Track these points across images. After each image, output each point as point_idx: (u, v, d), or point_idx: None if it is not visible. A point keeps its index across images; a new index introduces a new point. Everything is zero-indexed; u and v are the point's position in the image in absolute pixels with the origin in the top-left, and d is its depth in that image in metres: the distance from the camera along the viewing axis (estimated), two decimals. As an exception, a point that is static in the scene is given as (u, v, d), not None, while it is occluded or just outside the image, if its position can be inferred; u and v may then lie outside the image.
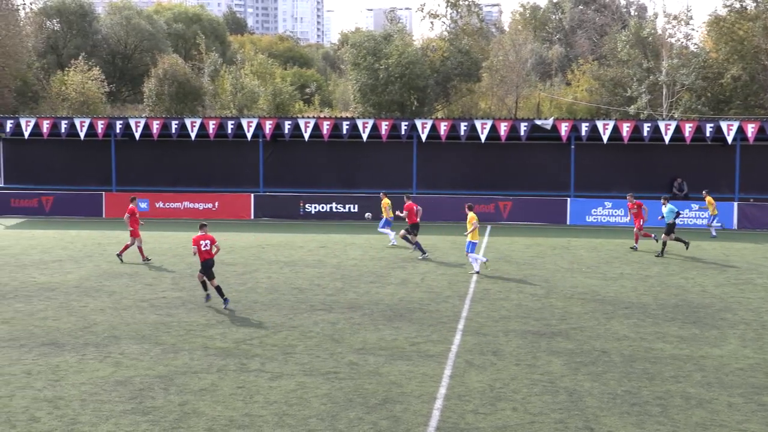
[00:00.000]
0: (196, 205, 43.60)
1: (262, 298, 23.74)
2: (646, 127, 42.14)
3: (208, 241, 23.00)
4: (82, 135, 44.99)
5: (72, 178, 47.64)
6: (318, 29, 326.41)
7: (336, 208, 43.19)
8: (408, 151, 45.17)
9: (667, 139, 41.90)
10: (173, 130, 44.59)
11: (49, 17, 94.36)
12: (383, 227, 34.80)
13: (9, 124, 45.16)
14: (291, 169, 47.25)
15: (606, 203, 41.76)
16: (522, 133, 43.01)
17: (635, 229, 33.79)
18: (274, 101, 79.17)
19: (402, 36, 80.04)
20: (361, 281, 26.38)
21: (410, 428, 14.01)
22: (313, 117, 47.15)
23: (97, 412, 14.68)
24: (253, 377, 16.62)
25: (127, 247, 30.14)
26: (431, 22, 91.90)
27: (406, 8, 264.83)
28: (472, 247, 27.85)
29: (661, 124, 42.19)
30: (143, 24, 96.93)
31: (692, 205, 41.57)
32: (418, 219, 32.05)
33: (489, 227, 40.37)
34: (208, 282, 23.14)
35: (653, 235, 33.63)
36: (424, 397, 15.49)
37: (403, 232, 32.24)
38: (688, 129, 41.70)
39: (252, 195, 43.91)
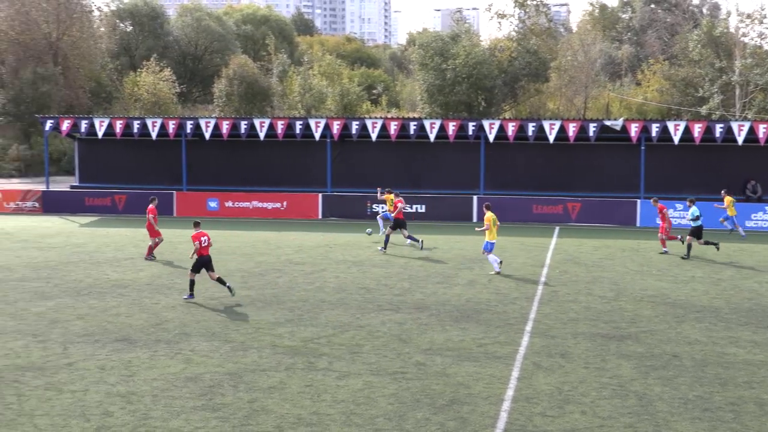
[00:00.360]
0: (265, 205, 44.00)
1: (330, 298, 23.87)
2: (718, 128, 41.40)
3: (206, 238, 23.67)
4: (153, 135, 45.75)
5: (144, 178, 48.48)
6: (385, 30, 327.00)
7: (404, 208, 43.14)
8: (475, 151, 45.01)
9: (740, 140, 41.11)
10: (242, 131, 45.09)
11: (121, 19, 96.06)
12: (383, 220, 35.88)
13: (84, 125, 46.09)
14: (358, 169, 47.44)
15: (677, 205, 41.13)
16: (591, 133, 42.58)
17: (660, 234, 33.21)
18: (342, 102, 79.54)
19: (469, 36, 79.79)
20: (429, 282, 26.36)
21: (477, 430, 13.96)
22: (381, 117, 47.26)
23: (168, 407, 14.90)
24: (320, 376, 16.71)
25: (152, 248, 30.60)
26: (499, 22, 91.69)
27: (474, 8, 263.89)
28: (490, 246, 27.74)
29: (734, 125, 41.39)
30: (213, 26, 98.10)
31: (766, 207, 40.71)
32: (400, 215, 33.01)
33: (557, 229, 40.03)
34: (208, 274, 23.77)
35: (679, 236, 33.12)
36: (492, 398, 15.42)
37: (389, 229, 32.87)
38: (762, 130, 40.86)
39: (320, 195, 44.17)
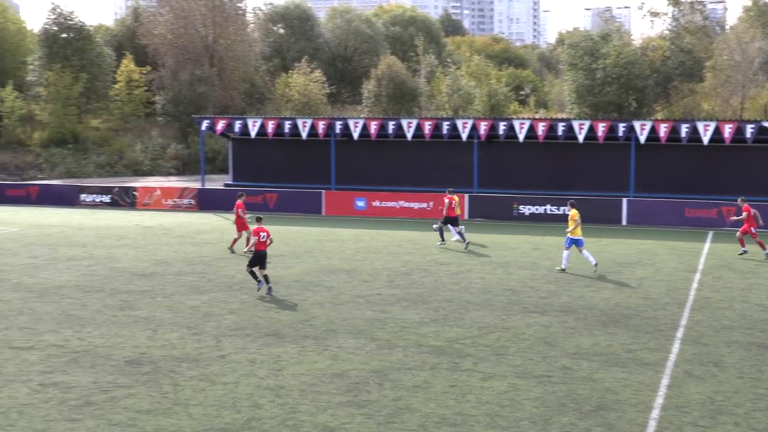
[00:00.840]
0: (411, 205, 44.25)
1: (475, 299, 23.81)
2: None
3: (265, 234, 24.50)
4: (304, 135, 46.71)
5: (294, 177, 49.55)
6: (534, 30, 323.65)
7: (550, 210, 42.66)
8: (625, 153, 44.03)
9: None
10: (390, 131, 45.50)
11: (274, 22, 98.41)
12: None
13: (237, 125, 47.47)
14: (505, 170, 47.14)
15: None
16: (748, 135, 41.00)
17: (739, 234, 31.68)
18: (489, 102, 79.19)
19: (620, 35, 78.05)
20: (575, 285, 25.96)
21: (625, 437, 13.66)
22: (528, 118, 46.82)
23: (315, 402, 15.18)
24: (465, 376, 16.69)
25: (235, 241, 31.95)
26: (651, 21, 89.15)
27: (625, 7, 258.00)
28: (578, 243, 28.05)
29: None
30: (363, 27, 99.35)
31: None
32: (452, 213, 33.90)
33: (710, 233, 38.71)
34: (257, 271, 24.31)
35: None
36: (640, 405, 15.05)
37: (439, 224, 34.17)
38: None
39: (466, 195, 44.10)
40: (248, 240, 29.90)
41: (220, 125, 48.11)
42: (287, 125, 46.81)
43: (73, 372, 16.79)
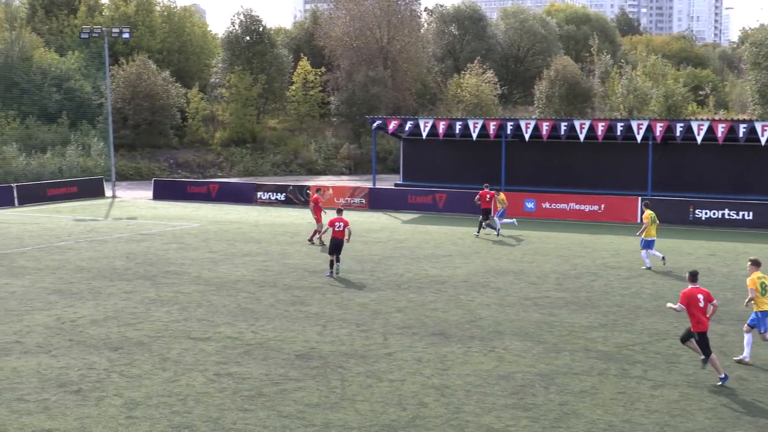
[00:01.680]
0: (582, 207, 43.47)
1: (646, 304, 23.17)
2: None
3: (341, 223, 26.82)
4: (474, 135, 46.66)
5: (463, 177, 49.56)
6: (715, 28, 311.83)
7: (729, 214, 40.98)
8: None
9: None
10: (562, 132, 44.86)
11: (447, 23, 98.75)
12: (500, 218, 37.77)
13: (408, 125, 47.91)
14: (681, 173, 45.63)
15: None
16: None
17: None
18: (666, 103, 76.80)
19: (809, 32, 74.15)
20: (754, 293, 24.83)
21: (805, 454, 12.99)
22: (707, 119, 45.11)
23: (480, 403, 15.15)
24: (634, 383, 16.28)
25: (316, 233, 33.82)
26: None
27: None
28: (650, 244, 28.68)
29: None
30: (536, 26, 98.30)
31: None
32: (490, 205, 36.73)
33: None
34: (331, 258, 26.71)
35: None
36: (823, 422, 14.28)
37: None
38: None
39: (639, 198, 42.92)
40: (316, 232, 33.41)
41: (392, 125, 48.69)
42: (458, 126, 46.90)
43: (246, 363, 17.40)
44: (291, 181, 61.00)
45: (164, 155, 70.52)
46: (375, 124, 49.66)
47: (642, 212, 30.51)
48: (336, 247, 26.83)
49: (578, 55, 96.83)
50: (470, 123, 46.83)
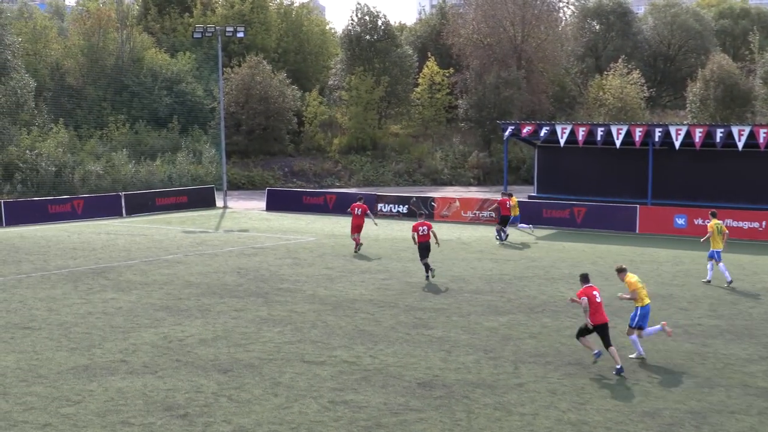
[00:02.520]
0: (741, 224, 42.16)
1: (815, 336, 22.32)
2: None
3: (425, 227, 29.99)
4: (617, 143, 45.89)
5: (605, 189, 48.78)
6: None
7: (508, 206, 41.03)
8: None
9: None
10: (717, 139, 43.68)
11: (588, 19, 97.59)
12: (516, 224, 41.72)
13: (544, 131, 47.49)
14: None
15: None
16: None
17: None
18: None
19: None
20: None
21: None
22: None
23: (622, 442, 14.86)
24: (800, 426, 15.69)
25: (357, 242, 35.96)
26: None
27: None
28: (716, 255, 29.52)
29: None
30: (690, 21, 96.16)
31: None
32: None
33: None
34: (423, 262, 29.59)
35: None
36: None
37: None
38: None
39: (806, 214, 41.42)
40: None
41: (526, 131, 48.36)
42: (599, 132, 46.21)
43: (363, 391, 17.51)
44: (414, 192, 61.26)
45: (278, 163, 71.84)
46: (507, 130, 49.42)
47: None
48: (426, 249, 29.81)
49: (736, 53, 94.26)
50: (613, 129, 46.08)
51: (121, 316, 24.09)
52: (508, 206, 40.50)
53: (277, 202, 53.66)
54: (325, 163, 73.31)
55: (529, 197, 51.45)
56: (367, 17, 78.04)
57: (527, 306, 25.60)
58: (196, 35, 59.78)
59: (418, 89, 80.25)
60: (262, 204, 54.93)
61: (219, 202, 56.16)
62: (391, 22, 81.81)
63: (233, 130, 69.70)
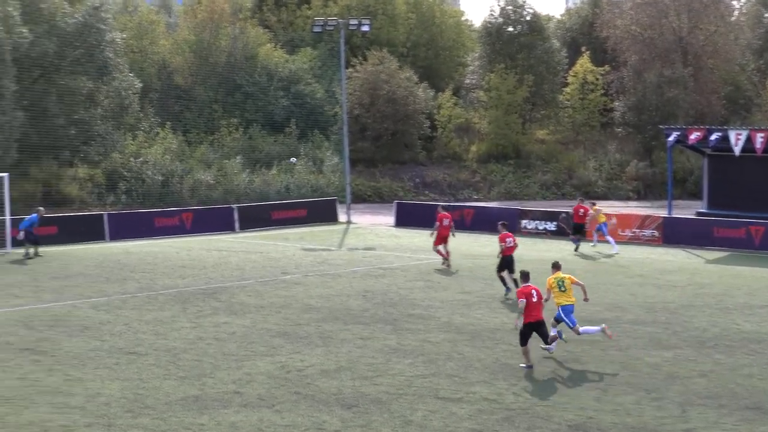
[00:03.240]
0: None
1: None
2: None
3: (511, 239, 31.86)
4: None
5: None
6: None
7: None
8: None
9: None
10: None
11: (766, 7, 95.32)
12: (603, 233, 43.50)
13: (714, 137, 46.59)
14: None
15: None
16: None
17: None
18: None
19: None
20: None
21: None
22: None
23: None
24: None
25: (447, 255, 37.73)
26: None
27: None
28: None
29: None
30: None
31: None
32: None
33: None
34: (507, 276, 31.27)
35: None
36: None
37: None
38: None
39: None
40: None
41: (693, 137, 47.50)
42: (781, 139, 45.14)
43: (506, 433, 17.46)
44: (564, 206, 60.72)
45: (409, 173, 72.13)
46: (671, 137, 48.62)
47: None
48: (509, 263, 31.71)
49: None
50: (798, 135, 44.94)
51: (234, 342, 24.54)
52: (581, 214, 43.28)
53: (407, 217, 53.84)
54: (461, 173, 73.34)
55: (698, 214, 50.51)
56: (510, 7, 77.77)
57: (696, 339, 25.11)
58: (315, 29, 60.65)
59: (567, 89, 79.54)
60: (391, 219, 55.25)
61: (342, 217, 56.71)
62: (538, 13, 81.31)
63: (358, 136, 70.19)
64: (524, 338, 21.98)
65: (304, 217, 55.20)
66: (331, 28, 59.52)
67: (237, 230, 51.54)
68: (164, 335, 25.37)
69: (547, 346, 22.72)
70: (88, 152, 59.50)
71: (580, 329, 23.31)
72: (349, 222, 55.80)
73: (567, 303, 23.34)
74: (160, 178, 59.69)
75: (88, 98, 60.40)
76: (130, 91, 62.54)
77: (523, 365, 22.03)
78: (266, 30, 78.99)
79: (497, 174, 73.01)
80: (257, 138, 68.65)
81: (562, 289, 23.37)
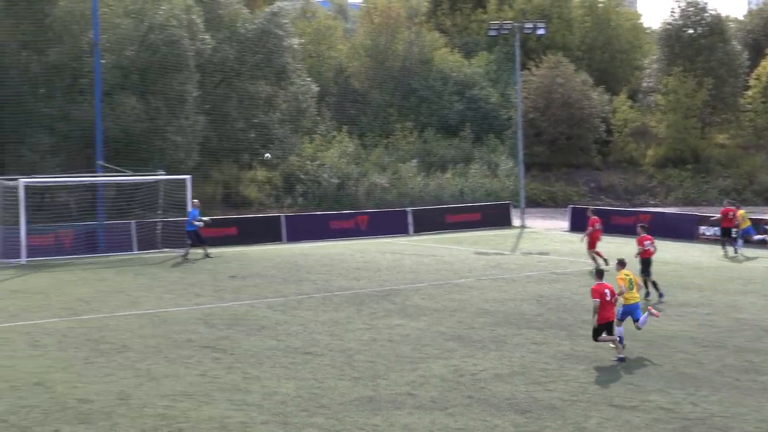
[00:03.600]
0: None
1: None
2: None
3: (649, 242, 31.50)
4: None
5: None
6: None
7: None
8: None
9: None
10: None
11: None
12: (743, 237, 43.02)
13: None
14: None
15: None
16: None
17: None
18: None
19: None
20: None
21: None
22: None
23: None
24: None
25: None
26: None
27: None
28: None
29: None
30: None
31: None
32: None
33: None
34: (648, 280, 30.97)
35: None
36: None
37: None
38: None
39: None
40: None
41: None
42: None
43: (687, 443, 17.10)
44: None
45: (583, 177, 71.48)
46: None
47: None
48: (647, 265, 31.37)
49: None
50: None
51: (407, 344, 24.71)
52: (730, 217, 43.33)
53: (581, 222, 53.11)
54: (637, 177, 72.21)
55: None
56: (691, 9, 76.11)
57: None
58: (491, 33, 60.56)
59: (749, 92, 77.33)
60: (565, 223, 54.81)
61: (515, 221, 56.48)
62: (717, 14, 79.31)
63: (533, 140, 69.81)
64: (596, 333, 23.12)
65: (478, 221, 55.19)
66: (506, 31, 59.37)
67: (411, 233, 51.88)
68: (339, 336, 25.72)
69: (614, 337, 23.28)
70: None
71: (640, 323, 24.13)
72: (523, 226, 55.53)
73: (634, 301, 24.08)
74: (336, 180, 60.55)
75: (266, 102, 61.61)
76: (308, 95, 63.54)
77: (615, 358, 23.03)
78: (442, 34, 79.32)
79: (675, 179, 71.55)
80: (431, 141, 68.97)
81: (631, 287, 23.99)
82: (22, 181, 41.38)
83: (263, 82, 61.28)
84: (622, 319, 23.84)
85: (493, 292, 32.79)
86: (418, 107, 71.76)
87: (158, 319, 27.99)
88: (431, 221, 53.64)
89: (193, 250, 42.80)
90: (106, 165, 46.06)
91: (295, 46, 63.49)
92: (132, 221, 45.52)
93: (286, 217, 50.62)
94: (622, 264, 24.35)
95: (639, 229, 32.54)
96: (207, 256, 42.32)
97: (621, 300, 23.69)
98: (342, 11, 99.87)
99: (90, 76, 48.59)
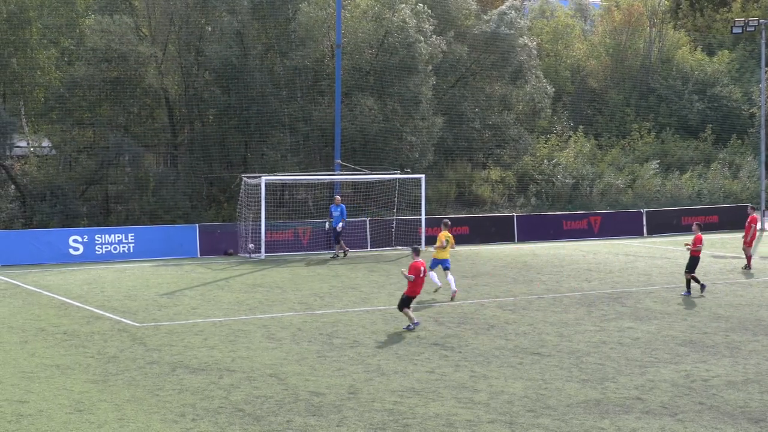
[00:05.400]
0: None
1: None
2: None
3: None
4: None
5: None
6: None
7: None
8: None
9: None
10: None
11: None
12: None
13: None
14: None
15: None
16: None
17: None
18: None
19: None
20: None
21: None
22: None
23: None
24: None
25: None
26: None
27: None
28: None
29: None
30: None
31: None
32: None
33: None
34: (689, 275, 32.20)
35: None
36: None
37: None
38: None
39: None
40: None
41: None
42: None
43: None
44: None
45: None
46: None
47: None
48: (694, 264, 32.23)
49: None
50: None
51: (638, 348, 24.25)
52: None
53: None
54: None
55: None
56: None
57: None
58: (735, 30, 58.67)
59: None
60: (810, 227, 52.70)
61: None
62: None
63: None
64: (404, 304, 26.52)
65: (715, 223, 53.73)
66: (752, 28, 57.37)
67: (645, 235, 50.88)
68: (568, 337, 25.48)
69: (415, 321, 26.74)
70: (500, 155, 60.72)
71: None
72: (762, 229, 53.53)
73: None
74: (570, 181, 59.93)
75: (501, 102, 61.55)
76: (543, 95, 63.10)
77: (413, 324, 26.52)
78: (685, 32, 77.36)
79: None
80: (669, 142, 67.38)
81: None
82: (264, 178, 42.80)
83: (498, 82, 61.21)
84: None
85: (729, 296, 31.83)
86: (656, 107, 70.16)
87: (389, 316, 28.43)
88: (666, 223, 52.55)
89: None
90: (344, 164, 47.06)
91: (531, 45, 62.98)
92: (366, 219, 46.43)
93: (518, 216, 50.52)
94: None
95: (695, 227, 33.36)
96: (336, 256, 42.82)
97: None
98: (582, 9, 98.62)
99: (330, 78, 49.82)
